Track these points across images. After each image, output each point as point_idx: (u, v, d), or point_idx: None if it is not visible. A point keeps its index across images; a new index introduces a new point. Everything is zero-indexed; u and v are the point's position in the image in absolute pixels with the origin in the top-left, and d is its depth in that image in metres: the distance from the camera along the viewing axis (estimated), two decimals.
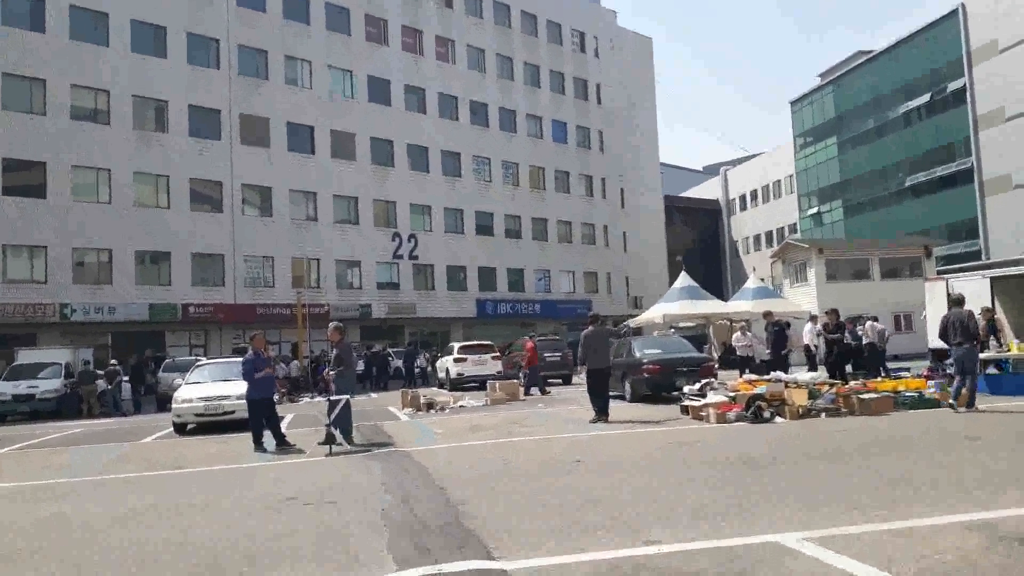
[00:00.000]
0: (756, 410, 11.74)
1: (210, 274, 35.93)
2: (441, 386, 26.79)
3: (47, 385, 22.79)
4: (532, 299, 47.33)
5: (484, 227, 46.59)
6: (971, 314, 12.10)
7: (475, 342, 27.82)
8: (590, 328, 13.41)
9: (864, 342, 20.11)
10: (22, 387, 22.57)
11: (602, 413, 12.88)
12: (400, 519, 6.24)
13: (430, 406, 17.61)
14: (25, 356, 25.52)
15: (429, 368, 31.72)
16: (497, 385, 20.11)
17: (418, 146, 44.05)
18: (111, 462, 11.18)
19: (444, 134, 45.14)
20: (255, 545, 5.66)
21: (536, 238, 48.92)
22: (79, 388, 23.21)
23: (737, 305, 29.32)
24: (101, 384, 23.63)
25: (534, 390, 21.70)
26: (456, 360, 25.81)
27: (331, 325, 12.36)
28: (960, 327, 11.78)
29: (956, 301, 12.51)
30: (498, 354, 26.55)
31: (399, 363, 32.63)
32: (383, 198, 42.18)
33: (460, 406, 18.09)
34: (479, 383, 24.10)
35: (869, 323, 20.81)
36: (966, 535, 4.87)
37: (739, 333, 22.71)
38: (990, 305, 16.05)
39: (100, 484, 9.12)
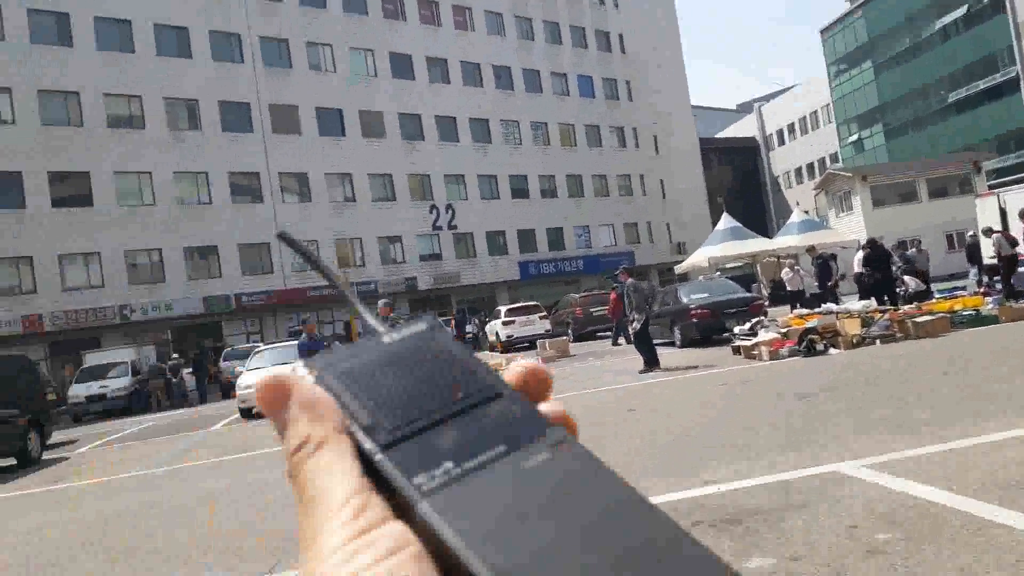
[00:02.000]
0: (809, 343, 11.67)
1: (258, 263, 36.71)
2: (492, 349, 27.11)
3: (116, 384, 23.74)
4: (573, 256, 47.21)
5: (519, 190, 46.45)
6: None
7: (521, 304, 28.01)
8: (631, 281, 13.37)
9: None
10: (94, 388, 23.56)
11: (652, 363, 12.93)
12: None
13: None
14: (92, 358, 26.56)
15: (480, 333, 32.09)
16: (547, 343, 20.30)
17: (446, 117, 43.94)
18: (186, 451, 11.69)
19: (470, 102, 44.90)
20: None
21: (572, 195, 48.60)
22: (147, 384, 24.13)
23: (783, 241, 28.88)
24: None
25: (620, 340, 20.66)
26: (504, 323, 26.07)
27: (380, 302, 12.62)
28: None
29: None
30: (545, 313, 26.73)
31: (452, 331, 33.04)
32: (416, 172, 42.33)
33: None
34: (529, 343, 24.34)
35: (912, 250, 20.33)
36: None
37: (787, 269, 22.40)
38: None
39: (179, 472, 9.57)
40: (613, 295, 22.29)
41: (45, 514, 7.91)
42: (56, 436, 16.35)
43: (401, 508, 0.27)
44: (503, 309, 27.39)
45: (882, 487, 4.50)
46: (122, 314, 32.45)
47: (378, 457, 0.28)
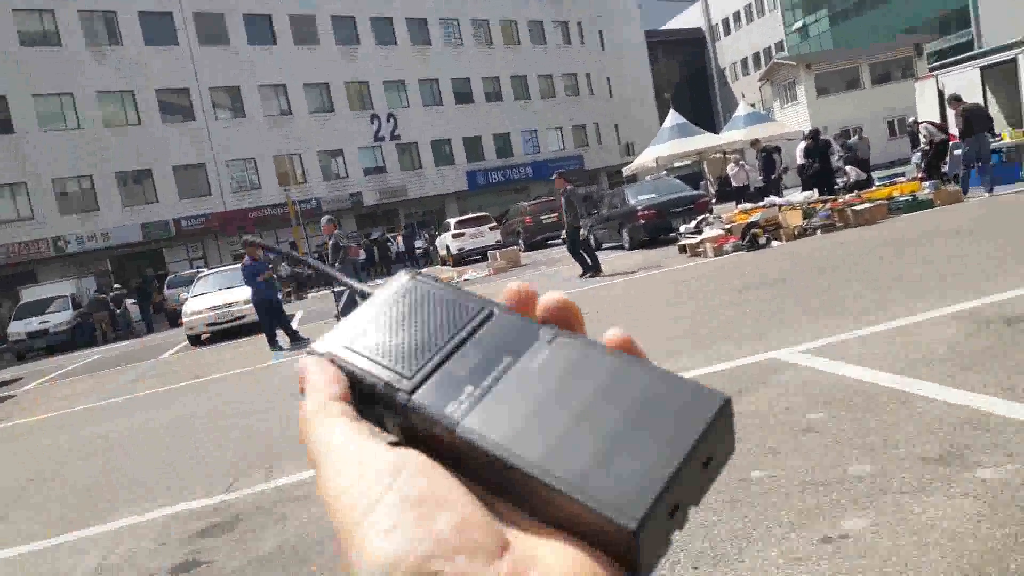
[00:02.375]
0: (752, 238, 11.88)
1: (196, 185, 35.49)
2: (444, 263, 27.05)
3: (58, 318, 23.11)
4: (522, 163, 46.70)
5: (462, 94, 45.27)
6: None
7: (471, 215, 27.80)
8: (569, 187, 12.94)
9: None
10: (34, 324, 22.91)
11: (594, 269, 12.78)
12: None
13: None
14: (29, 293, 25.68)
15: (430, 247, 31.92)
16: (498, 254, 20.29)
17: (381, 18, 42.08)
18: (134, 382, 11.56)
19: (407, 0, 43.02)
20: (287, 430, 5.97)
21: (518, 98, 47.62)
22: (90, 316, 23.56)
23: (730, 135, 28.90)
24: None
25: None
26: (454, 236, 25.90)
27: (323, 219, 12.34)
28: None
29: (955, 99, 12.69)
30: (495, 224, 26.61)
31: (400, 247, 32.85)
32: (354, 79, 40.81)
33: (464, 279, 18.36)
34: (480, 255, 24.30)
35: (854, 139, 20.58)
36: (953, 325, 5.07)
37: (732, 164, 22.55)
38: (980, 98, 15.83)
39: (127, 404, 9.48)
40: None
41: None
42: None
43: (425, 443, 0.31)
44: (452, 222, 27.15)
45: (817, 370, 4.67)
46: (56, 246, 31.32)
47: (409, 403, 0.31)
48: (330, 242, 12.08)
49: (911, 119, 21.05)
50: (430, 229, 36.61)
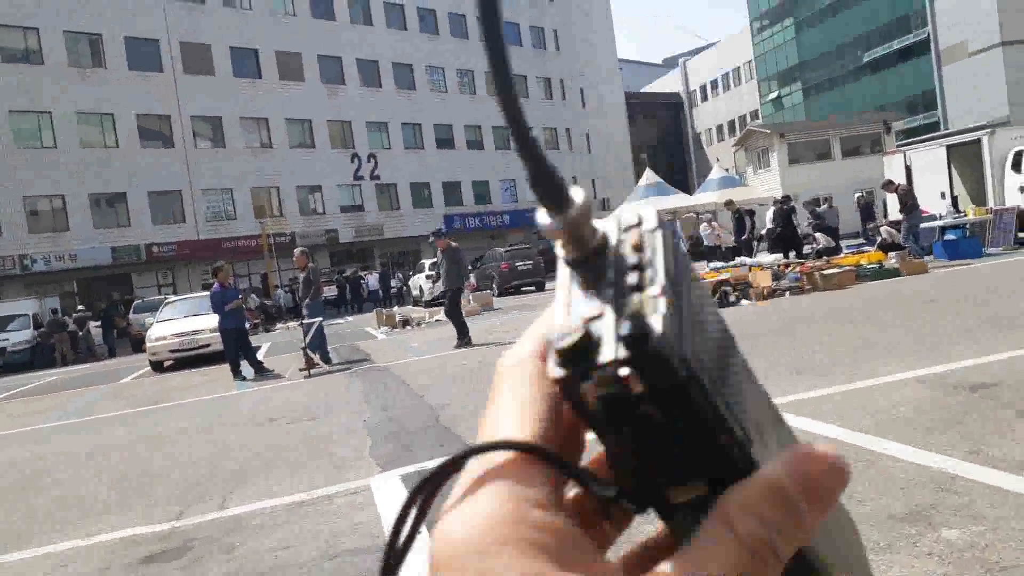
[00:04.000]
0: (722, 295, 12.01)
1: (170, 211, 35.17)
2: (416, 303, 26.93)
3: (17, 337, 22.56)
4: (500, 210, 47.09)
5: (444, 140, 45.76)
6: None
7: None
8: (453, 244, 11.95)
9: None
10: None
11: (463, 335, 11.60)
12: (382, 427, 6.42)
13: (406, 323, 17.76)
14: None
15: (403, 287, 31.81)
16: (471, 297, 20.27)
17: (368, 60, 42.63)
18: (93, 403, 11.24)
19: (394, 45, 43.66)
20: (244, 459, 5.82)
21: (499, 147, 48.23)
22: (51, 337, 23.01)
23: (703, 197, 29.51)
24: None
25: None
26: (428, 276, 25.87)
27: (296, 251, 12.27)
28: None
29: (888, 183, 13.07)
30: (470, 267, 26.64)
31: (374, 284, 32.72)
32: (337, 118, 41.09)
33: (436, 320, 18.26)
34: None
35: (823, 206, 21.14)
36: (919, 388, 5.13)
37: (705, 224, 22.96)
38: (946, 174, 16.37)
39: (85, 424, 9.19)
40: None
41: None
42: None
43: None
44: (427, 263, 27.16)
45: None
46: (22, 264, 30.69)
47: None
48: (302, 276, 11.99)
49: (858, 193, 21.75)
50: (404, 269, 36.55)
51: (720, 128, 70.31)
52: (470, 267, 27.14)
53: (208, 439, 7.05)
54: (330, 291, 29.65)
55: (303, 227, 38.52)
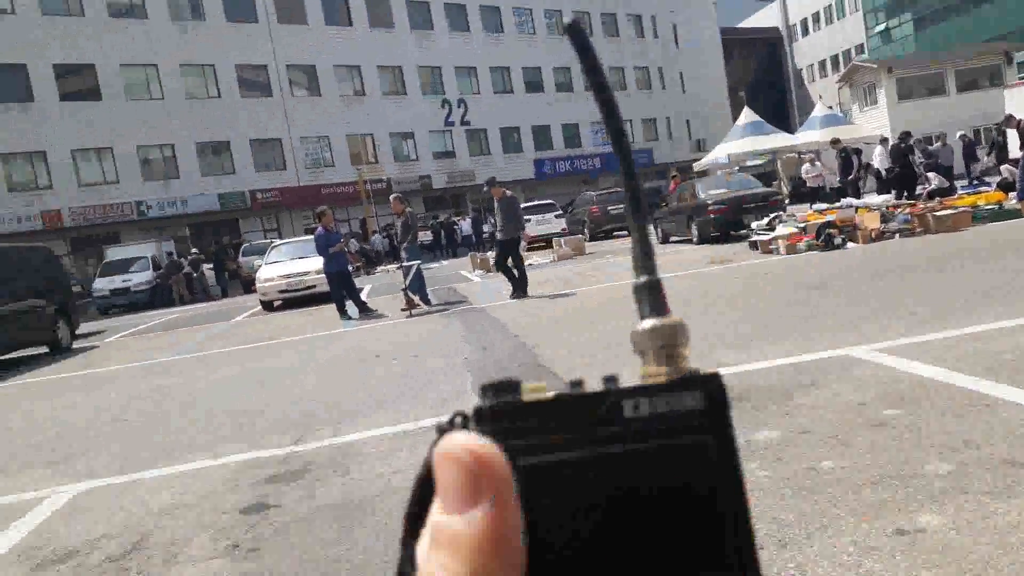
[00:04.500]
0: (827, 237, 11.59)
1: (271, 159, 36.45)
2: None
3: (138, 278, 24.13)
4: (590, 154, 46.43)
5: (533, 83, 45.21)
6: None
7: (536, 202, 27.80)
8: (509, 193, 11.61)
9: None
10: (116, 282, 23.98)
11: (522, 288, 11.38)
12: (481, 364, 6.61)
13: None
14: (113, 253, 26.85)
15: (494, 232, 32.06)
16: (563, 242, 20.29)
17: (456, 4, 42.31)
18: (209, 340, 11.99)
19: None
20: (353, 392, 6.14)
21: (589, 89, 47.11)
22: (169, 278, 24.52)
23: (805, 136, 28.17)
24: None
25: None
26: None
27: (392, 197, 12.55)
28: None
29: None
30: (561, 212, 26.57)
31: (467, 230, 33.13)
32: (427, 64, 41.22)
33: (529, 264, 18.40)
34: (545, 242, 24.33)
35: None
36: None
37: (808, 164, 22.02)
38: None
39: (204, 359, 9.84)
40: (674, 184, 20.95)
41: (76, 395, 8.22)
42: (84, 328, 16.76)
43: None
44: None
45: (891, 368, 4.56)
46: (139, 210, 32.60)
47: None
48: (399, 220, 12.28)
49: (960, 132, 20.22)
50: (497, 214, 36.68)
51: (823, 64, 66.46)
52: (566, 212, 27.09)
53: (318, 373, 7.44)
54: (425, 236, 30.26)
55: (397, 173, 39.18)
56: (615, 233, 25.29)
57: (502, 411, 0.25)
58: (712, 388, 0.26)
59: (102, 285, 23.99)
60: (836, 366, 4.80)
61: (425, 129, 40.88)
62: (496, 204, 11.59)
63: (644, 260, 0.30)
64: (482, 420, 0.25)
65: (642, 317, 0.28)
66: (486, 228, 32.92)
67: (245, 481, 4.27)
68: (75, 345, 14.03)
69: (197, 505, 3.99)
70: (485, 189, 11.81)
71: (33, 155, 31.04)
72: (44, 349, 13.30)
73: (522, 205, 26.92)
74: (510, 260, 11.36)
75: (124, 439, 5.78)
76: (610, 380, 0.26)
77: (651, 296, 0.29)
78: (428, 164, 40.78)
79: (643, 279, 0.29)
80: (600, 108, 0.29)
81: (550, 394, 0.26)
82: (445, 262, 27.63)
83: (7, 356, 12.56)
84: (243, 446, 5.03)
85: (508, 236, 11.34)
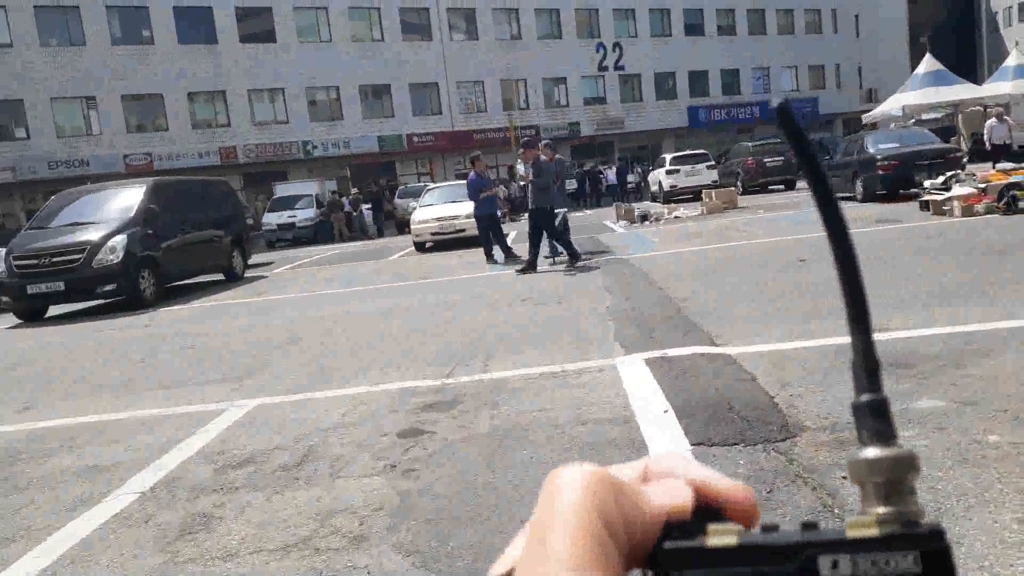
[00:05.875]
0: (1011, 200, 10.57)
1: (428, 103, 37.43)
2: (654, 199, 26.65)
3: (304, 214, 25.81)
4: (749, 102, 44.15)
5: (693, 26, 43.30)
6: None
7: (688, 152, 26.98)
8: (558, 156, 10.77)
9: None
10: (284, 217, 25.79)
11: (532, 267, 10.50)
12: (624, 313, 6.66)
13: (644, 217, 17.75)
14: (282, 189, 28.81)
15: (642, 183, 31.52)
16: (713, 194, 19.63)
17: None
18: (368, 275, 12.74)
19: None
20: (500, 332, 6.40)
21: (753, 32, 44.72)
22: (330, 216, 26.07)
23: (994, 88, 25.43)
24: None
25: None
26: (668, 172, 25.35)
27: (542, 143, 12.61)
28: None
29: None
30: (713, 163, 25.66)
31: (612, 179, 32.77)
32: (585, 6, 40.47)
33: (675, 216, 18.04)
34: (694, 194, 23.66)
35: None
36: None
37: (994, 119, 19.95)
38: None
39: (363, 293, 10.51)
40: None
41: (251, 319, 9.05)
42: (254, 259, 18.23)
43: None
44: (668, 157, 26.50)
45: None
46: (305, 149, 34.62)
47: None
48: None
49: None
50: (644, 164, 36.04)
51: (1022, 7, 59.18)
52: (718, 164, 26.10)
53: (467, 313, 7.78)
54: (570, 184, 30.23)
55: (547, 120, 39.15)
56: (770, 187, 24.18)
57: (683, 555, 0.24)
58: (933, 550, 0.23)
59: (271, 219, 25.87)
60: (1014, 337, 4.47)
61: (577, 74, 40.40)
62: (529, 168, 10.41)
63: (867, 375, 0.27)
64: (662, 563, 0.24)
65: (862, 444, 0.26)
66: (631, 178, 32.45)
67: (403, 407, 4.60)
68: (247, 274, 15.29)
69: (359, 425, 4.35)
70: (519, 150, 10.71)
71: (215, 94, 33.55)
72: (220, 276, 14.58)
73: (672, 155, 26.48)
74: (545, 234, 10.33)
75: (294, 361, 6.34)
76: (809, 528, 0.24)
77: (875, 418, 0.26)
78: (578, 110, 40.40)
79: (865, 398, 0.26)
80: (811, 187, 0.28)
81: (735, 540, 0.24)
82: (589, 211, 27.55)
83: (189, 281, 13.91)
84: (400, 375, 5.40)
85: (538, 205, 10.31)
